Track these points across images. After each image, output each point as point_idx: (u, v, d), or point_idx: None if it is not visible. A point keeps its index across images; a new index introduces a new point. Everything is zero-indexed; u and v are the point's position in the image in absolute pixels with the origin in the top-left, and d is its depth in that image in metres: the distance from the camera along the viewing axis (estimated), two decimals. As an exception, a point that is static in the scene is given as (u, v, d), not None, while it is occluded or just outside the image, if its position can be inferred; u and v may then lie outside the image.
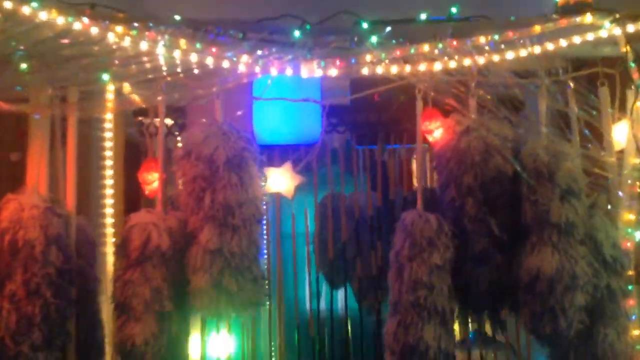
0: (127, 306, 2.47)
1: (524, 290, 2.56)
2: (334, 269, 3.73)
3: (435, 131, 2.74)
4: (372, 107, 3.42)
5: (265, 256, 3.84)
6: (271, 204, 3.51)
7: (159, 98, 2.52)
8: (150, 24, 2.32)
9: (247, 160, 2.56)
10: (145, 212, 2.58)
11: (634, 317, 2.61)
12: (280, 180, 2.67)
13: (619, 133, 2.73)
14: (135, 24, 2.31)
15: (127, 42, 2.28)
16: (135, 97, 2.56)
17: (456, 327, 2.65)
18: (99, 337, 2.65)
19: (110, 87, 2.64)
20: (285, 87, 3.12)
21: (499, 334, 2.88)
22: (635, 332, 2.61)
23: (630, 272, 2.63)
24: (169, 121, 3.53)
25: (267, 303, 3.67)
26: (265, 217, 3.31)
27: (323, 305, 3.94)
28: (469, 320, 2.83)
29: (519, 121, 2.68)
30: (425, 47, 2.51)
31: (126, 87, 2.65)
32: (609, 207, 2.68)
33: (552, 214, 2.54)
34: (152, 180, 2.67)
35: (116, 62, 2.36)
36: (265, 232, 3.64)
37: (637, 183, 2.62)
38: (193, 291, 2.48)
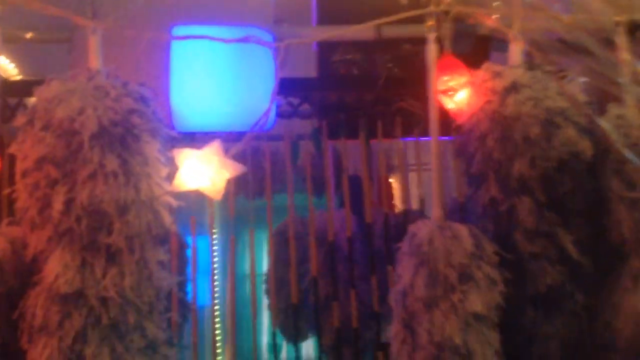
0: None
1: (623, 354, 1.48)
2: (297, 316, 2.56)
3: (460, 91, 1.68)
4: (352, 79, 2.35)
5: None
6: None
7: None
8: None
9: (137, 131, 1.44)
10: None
11: None
12: (201, 169, 1.53)
13: None
14: None
15: None
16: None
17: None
18: None
19: None
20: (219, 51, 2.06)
21: None
22: None
23: None
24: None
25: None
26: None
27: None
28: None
29: (593, 71, 1.64)
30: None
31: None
32: None
33: (663, 223, 1.49)
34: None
35: None
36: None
37: None
38: (28, 373, 1.32)
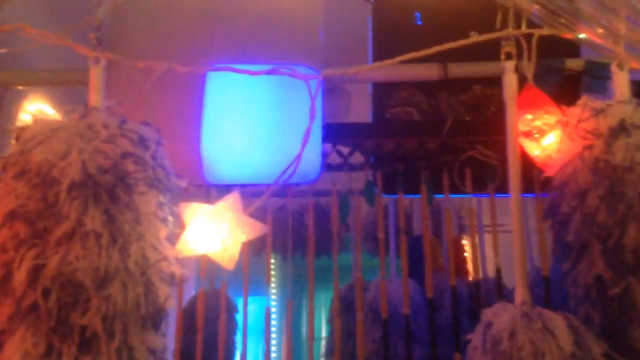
0: None
1: None
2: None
3: (549, 133, 1.30)
4: (412, 124, 2.00)
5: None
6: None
7: None
8: None
9: (131, 181, 1.14)
10: None
11: None
12: (211, 230, 1.21)
13: None
14: None
15: None
16: None
17: None
18: None
19: None
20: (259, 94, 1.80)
21: None
22: None
23: None
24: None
25: None
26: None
27: None
28: None
29: None
30: None
31: None
32: None
33: None
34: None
35: None
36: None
37: None
38: None
